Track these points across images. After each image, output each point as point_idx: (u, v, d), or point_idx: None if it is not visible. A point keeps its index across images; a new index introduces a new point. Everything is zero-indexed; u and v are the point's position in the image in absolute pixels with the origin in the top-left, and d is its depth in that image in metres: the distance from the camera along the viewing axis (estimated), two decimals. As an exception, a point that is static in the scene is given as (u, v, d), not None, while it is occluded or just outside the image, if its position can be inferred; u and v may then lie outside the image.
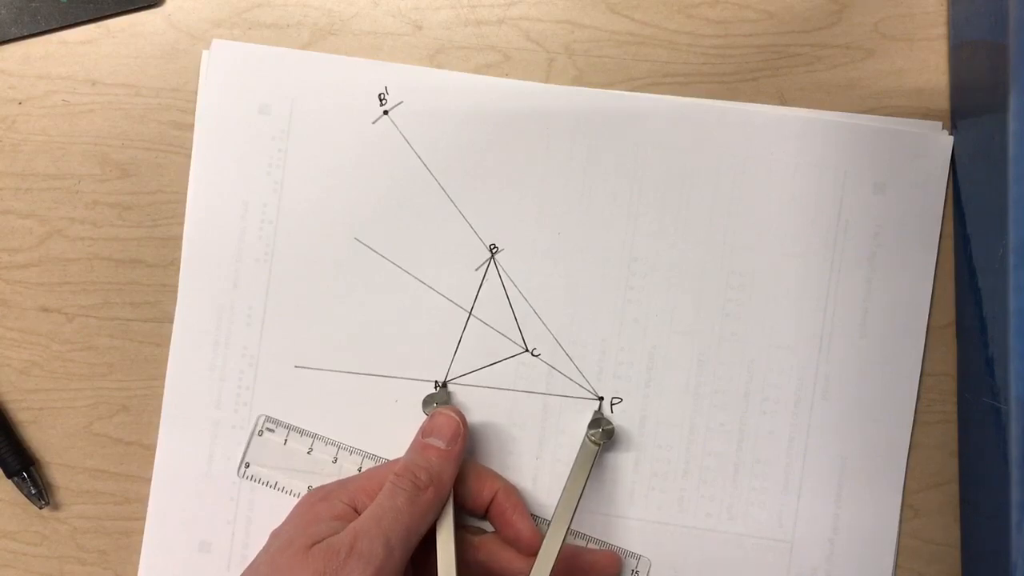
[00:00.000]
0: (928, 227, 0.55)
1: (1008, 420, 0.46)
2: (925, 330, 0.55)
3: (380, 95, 0.56)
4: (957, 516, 0.55)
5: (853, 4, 0.55)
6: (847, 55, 0.55)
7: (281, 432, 0.56)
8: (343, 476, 0.55)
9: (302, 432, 0.56)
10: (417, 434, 0.53)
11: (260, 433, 0.56)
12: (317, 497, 0.51)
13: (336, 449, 0.56)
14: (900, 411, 0.55)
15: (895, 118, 0.55)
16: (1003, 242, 0.47)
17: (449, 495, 0.51)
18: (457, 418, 0.53)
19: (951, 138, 0.54)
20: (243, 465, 0.56)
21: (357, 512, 0.50)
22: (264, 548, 0.50)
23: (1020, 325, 0.46)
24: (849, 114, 0.55)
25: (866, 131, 0.55)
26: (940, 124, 0.55)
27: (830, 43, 0.55)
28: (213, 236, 0.56)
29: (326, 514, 0.49)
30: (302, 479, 0.55)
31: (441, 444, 0.52)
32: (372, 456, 0.55)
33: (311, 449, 0.56)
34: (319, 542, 0.47)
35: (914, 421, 0.55)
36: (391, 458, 0.55)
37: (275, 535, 0.50)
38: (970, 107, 0.53)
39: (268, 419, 0.56)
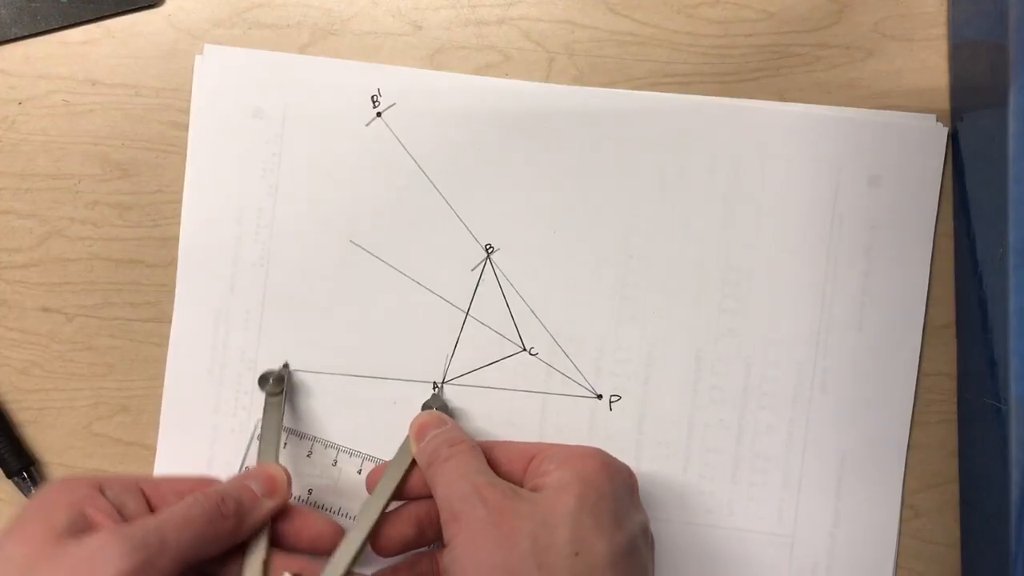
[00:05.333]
0: (924, 219, 0.55)
1: (1008, 420, 0.46)
2: (922, 322, 0.55)
3: (373, 97, 0.56)
4: (957, 516, 0.55)
5: (853, 4, 0.55)
6: (847, 55, 0.55)
7: (280, 435, 0.56)
8: (343, 479, 0.55)
9: (301, 435, 0.56)
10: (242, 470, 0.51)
11: (259, 437, 0.55)
12: (58, 483, 0.47)
13: (336, 452, 0.56)
14: (899, 403, 0.55)
15: (889, 111, 0.55)
16: (1003, 242, 0.47)
17: (257, 538, 0.49)
18: (283, 475, 0.51)
19: (945, 130, 0.54)
20: (243, 469, 0.56)
21: (103, 494, 0.46)
22: None
23: (1020, 325, 0.46)
24: (843, 108, 0.55)
25: (861, 125, 0.55)
26: (934, 116, 0.55)
27: (830, 43, 0.55)
28: (209, 241, 0.56)
29: (63, 499, 0.45)
30: (302, 482, 0.55)
31: (256, 489, 0.49)
32: (372, 458, 0.55)
33: (311, 452, 0.56)
34: (68, 535, 0.44)
35: (914, 421, 0.55)
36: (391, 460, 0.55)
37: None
38: (970, 107, 0.53)
39: None
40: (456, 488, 0.47)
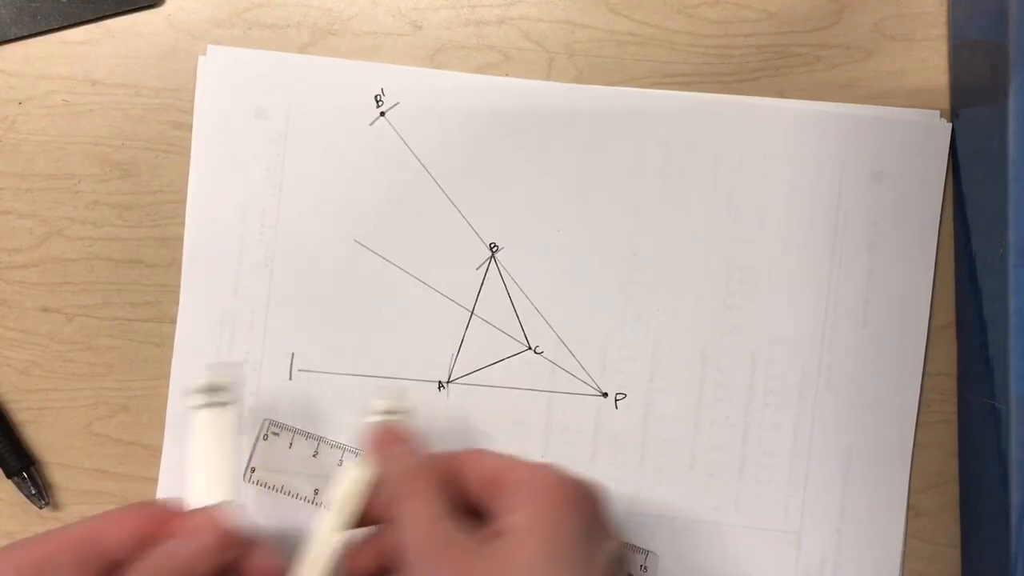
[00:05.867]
0: (928, 215, 0.55)
1: (1008, 420, 0.47)
2: (928, 318, 0.55)
3: (376, 96, 0.56)
4: (957, 516, 0.55)
5: (853, 4, 0.55)
6: (847, 55, 0.55)
7: (286, 436, 0.56)
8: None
9: (307, 435, 0.56)
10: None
11: (265, 437, 0.55)
12: None
13: (342, 452, 0.55)
14: (904, 398, 0.55)
15: (892, 107, 0.55)
16: (1003, 242, 0.47)
17: None
18: (221, 523, 0.45)
19: (949, 125, 0.54)
20: (249, 470, 0.56)
21: None
22: None
23: (1020, 325, 0.46)
24: (846, 104, 0.55)
25: (863, 121, 0.55)
26: (938, 113, 0.55)
27: (830, 43, 0.56)
28: (213, 242, 0.56)
29: None
30: (308, 482, 0.55)
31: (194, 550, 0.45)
32: (377, 457, 0.55)
33: (316, 452, 0.56)
34: None
35: (916, 419, 0.55)
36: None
37: None
38: (970, 107, 0.53)
39: (273, 423, 0.56)
40: (414, 537, 0.44)
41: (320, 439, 0.56)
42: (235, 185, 0.56)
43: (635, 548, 0.55)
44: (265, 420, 0.55)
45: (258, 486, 0.56)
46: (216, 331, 0.56)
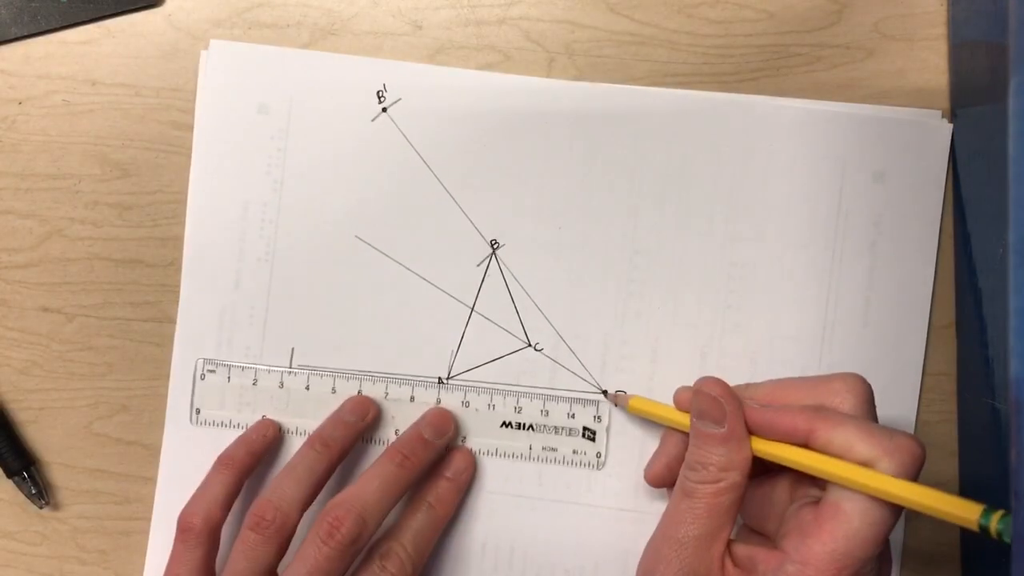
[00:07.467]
0: (929, 215, 0.55)
1: (1008, 420, 0.46)
2: (928, 318, 0.55)
3: (379, 92, 0.56)
4: (957, 516, 0.55)
5: (853, 4, 0.55)
6: (847, 55, 0.55)
7: (222, 371, 0.56)
8: (291, 400, 0.56)
9: (243, 367, 0.56)
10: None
11: (202, 377, 0.56)
12: None
13: (280, 374, 0.56)
14: (904, 399, 0.55)
15: (893, 107, 0.55)
16: (1003, 242, 0.47)
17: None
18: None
19: (950, 125, 0.54)
20: (194, 412, 0.56)
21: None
22: None
23: (1020, 325, 0.46)
24: (847, 104, 0.55)
25: (865, 120, 0.55)
26: (939, 112, 0.55)
27: (830, 43, 0.56)
28: (214, 237, 0.56)
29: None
30: (251, 410, 0.56)
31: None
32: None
33: (255, 380, 0.56)
34: None
35: (916, 419, 0.55)
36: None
37: None
38: (970, 107, 0.53)
39: (207, 361, 0.56)
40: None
41: (255, 367, 0.56)
42: (236, 180, 0.56)
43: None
44: (199, 359, 0.56)
45: (208, 426, 0.56)
46: (216, 327, 0.56)
